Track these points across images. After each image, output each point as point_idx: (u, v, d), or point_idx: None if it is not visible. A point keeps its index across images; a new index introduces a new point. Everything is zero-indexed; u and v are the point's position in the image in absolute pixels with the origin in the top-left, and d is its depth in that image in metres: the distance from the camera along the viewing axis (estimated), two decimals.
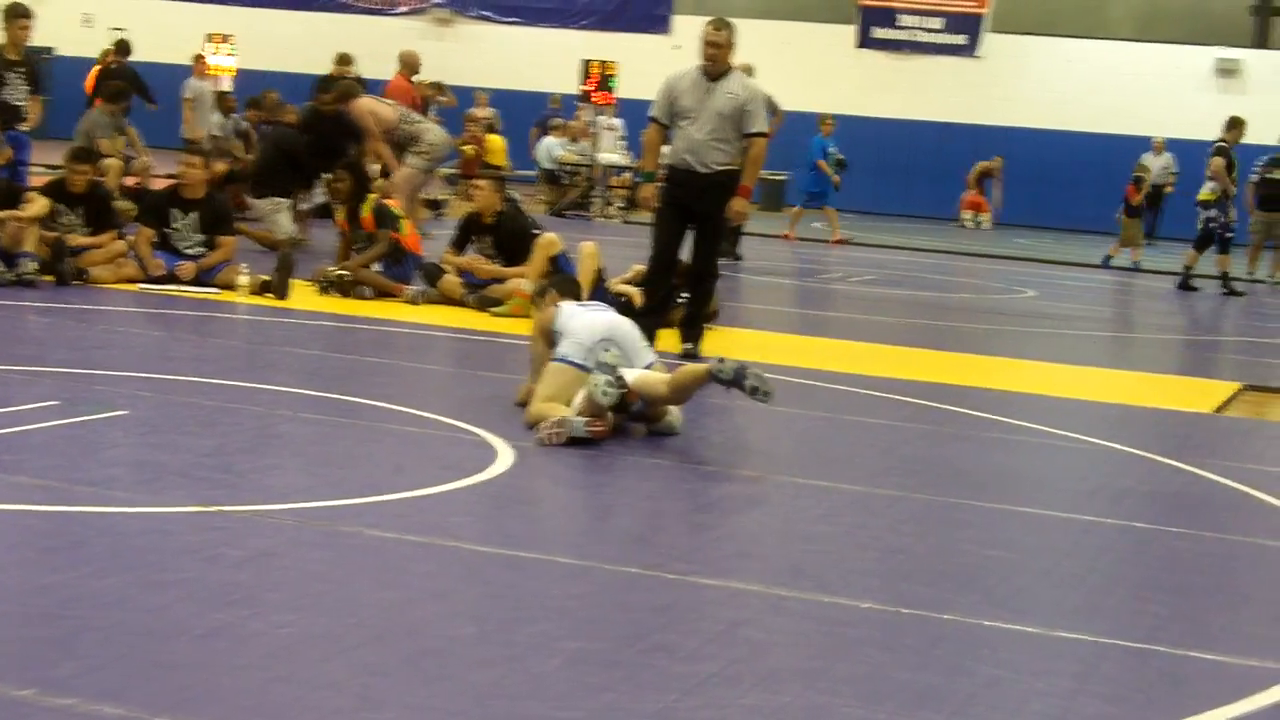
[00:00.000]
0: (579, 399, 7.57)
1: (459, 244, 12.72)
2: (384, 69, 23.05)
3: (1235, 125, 20.31)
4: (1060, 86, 33.41)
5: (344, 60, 19.56)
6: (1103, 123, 32.66)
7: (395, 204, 13.78)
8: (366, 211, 12.76)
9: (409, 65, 19.63)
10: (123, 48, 21.70)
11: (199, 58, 23.22)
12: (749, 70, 18.69)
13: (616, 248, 14.51)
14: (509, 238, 12.39)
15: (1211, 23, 33.74)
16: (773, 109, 19.31)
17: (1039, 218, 32.26)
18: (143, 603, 4.63)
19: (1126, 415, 9.84)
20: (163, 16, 37.49)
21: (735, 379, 7.24)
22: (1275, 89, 31.81)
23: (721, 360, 7.36)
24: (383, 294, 12.48)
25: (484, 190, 12.52)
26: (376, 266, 12.67)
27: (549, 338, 8.05)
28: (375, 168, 16.07)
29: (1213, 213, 20.07)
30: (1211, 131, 28.55)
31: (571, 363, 7.73)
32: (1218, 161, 19.92)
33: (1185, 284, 20.19)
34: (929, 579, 5.63)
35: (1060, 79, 33.49)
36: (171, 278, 12.00)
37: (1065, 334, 14.66)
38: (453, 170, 26.11)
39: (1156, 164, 29.00)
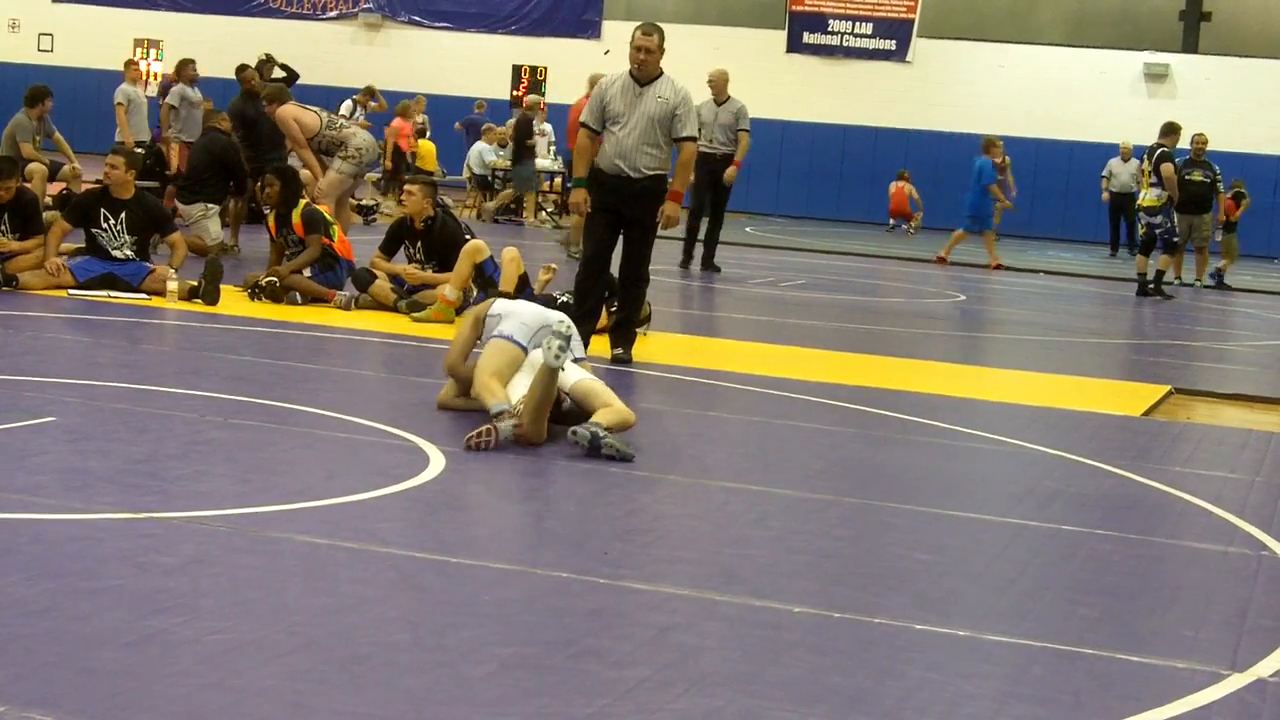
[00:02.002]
0: (516, 396, 7.60)
1: (388, 249, 12.69)
2: (313, 74, 23.00)
3: (1173, 131, 20.46)
4: (989, 91, 33.63)
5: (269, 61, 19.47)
6: (1032, 127, 32.89)
7: (326, 209, 13.74)
8: (296, 217, 12.71)
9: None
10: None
11: (131, 63, 23.05)
12: (723, 79, 18.82)
13: (548, 253, 14.50)
14: (440, 243, 12.37)
15: (1140, 27, 34.04)
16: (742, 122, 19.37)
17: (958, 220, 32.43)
18: (73, 610, 4.60)
19: (1056, 418, 9.91)
20: (90, 22, 37.25)
21: (592, 446, 7.40)
22: (1203, 93, 32.14)
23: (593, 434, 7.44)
24: (313, 299, 12.44)
25: (415, 195, 12.49)
26: (307, 272, 12.62)
27: (480, 325, 8.15)
28: (304, 174, 16.01)
29: (1158, 219, 20.24)
30: (1140, 135, 28.93)
31: (514, 341, 7.82)
32: (1169, 168, 20.07)
33: (1144, 289, 20.35)
34: (860, 582, 5.66)
35: (989, 84, 33.71)
36: (100, 283, 11.93)
37: (996, 338, 14.75)
38: (377, 176, 26.10)
39: (1124, 171, 28.76)
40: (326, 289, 12.53)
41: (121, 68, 21.98)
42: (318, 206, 13.29)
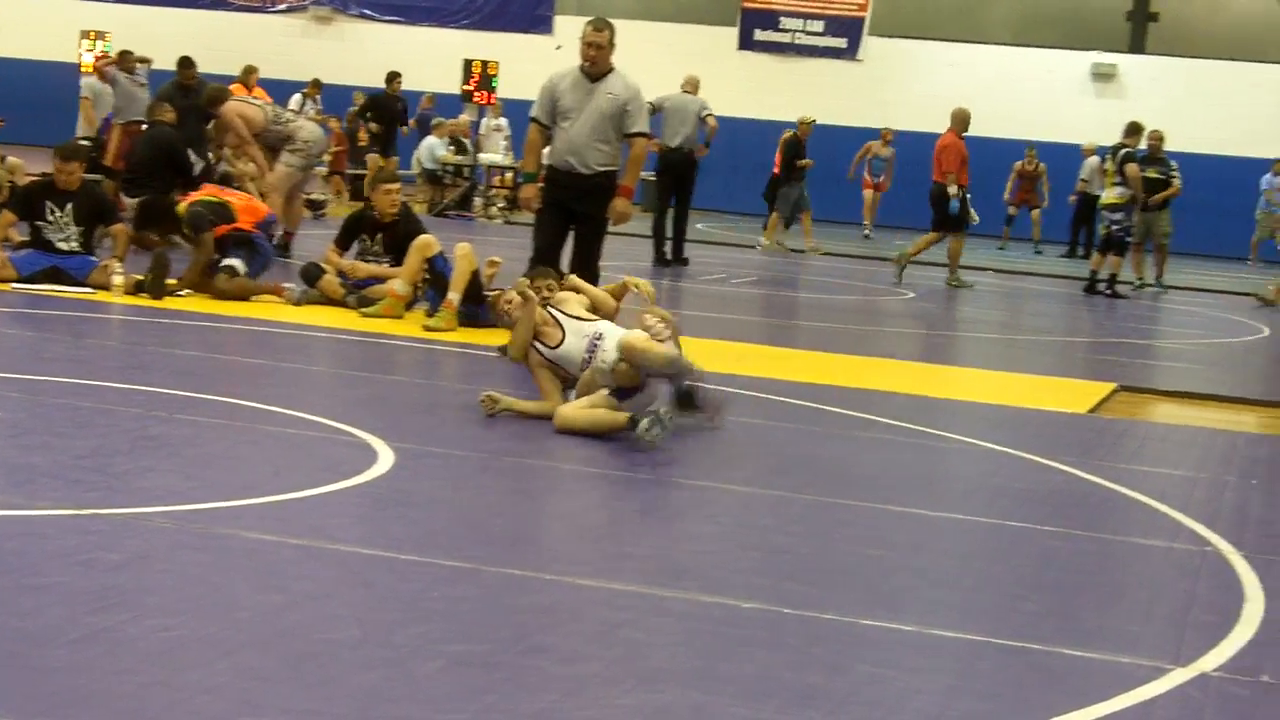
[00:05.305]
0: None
1: (343, 243, 12.58)
2: (263, 67, 22.88)
3: (1136, 130, 20.63)
4: (939, 90, 33.70)
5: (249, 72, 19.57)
6: (980, 126, 32.90)
7: (275, 202, 13.64)
8: (185, 227, 12.42)
9: (961, 122, 19.81)
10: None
11: (102, 58, 22.96)
12: (696, 85, 19.53)
13: (498, 248, 14.46)
14: (404, 238, 12.25)
15: (1088, 27, 34.21)
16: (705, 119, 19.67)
17: (919, 220, 32.50)
18: (16, 607, 4.56)
19: (1003, 415, 9.96)
20: (36, 12, 36.97)
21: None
22: (1151, 93, 32.31)
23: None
24: (266, 294, 12.35)
25: (394, 191, 12.39)
26: (243, 267, 12.45)
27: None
28: (249, 168, 15.97)
29: (1118, 216, 20.38)
30: (1087, 135, 29.06)
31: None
32: (1134, 168, 20.20)
33: (1092, 287, 20.49)
34: (811, 578, 5.67)
35: (939, 82, 33.80)
36: (45, 277, 11.84)
37: (945, 335, 14.80)
38: (323, 171, 26.06)
39: (1088, 170, 28.17)
40: (275, 284, 12.45)
41: (67, 58, 21.93)
42: (226, 197, 12.96)
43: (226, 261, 12.33)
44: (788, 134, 24.40)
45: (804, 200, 24.24)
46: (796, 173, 23.88)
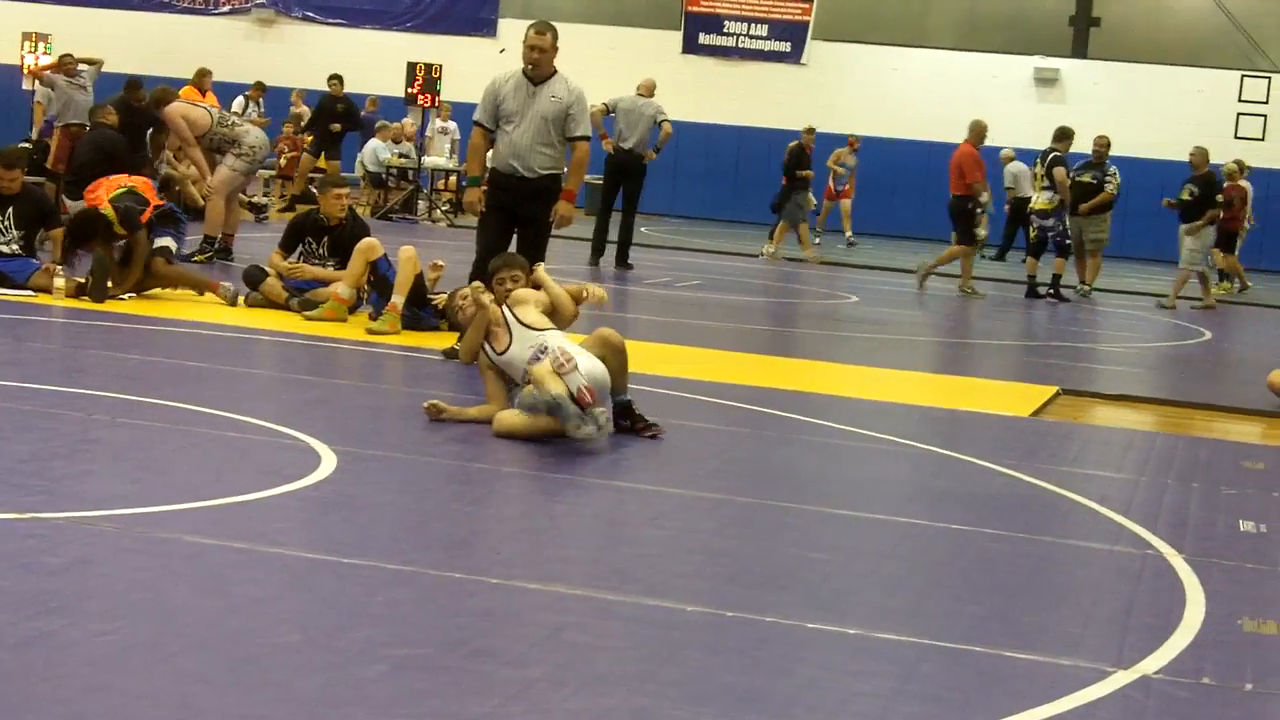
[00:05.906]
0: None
1: (288, 246, 12.51)
2: (215, 70, 22.81)
3: (1066, 135, 20.73)
4: (883, 94, 33.86)
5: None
6: (923, 130, 33.12)
7: (216, 204, 13.57)
8: (118, 228, 12.28)
9: (977, 134, 19.94)
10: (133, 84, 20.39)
11: (53, 65, 22.86)
12: (652, 89, 19.69)
13: (442, 252, 14.44)
14: (349, 242, 12.20)
15: (1031, 32, 34.39)
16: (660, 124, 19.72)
17: (861, 224, 32.65)
18: None
19: (946, 419, 9.99)
20: None
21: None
22: (1093, 98, 32.50)
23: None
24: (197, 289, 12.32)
25: (343, 196, 12.36)
26: (174, 244, 12.44)
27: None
28: (190, 170, 15.91)
29: (1049, 221, 20.52)
30: (1030, 139, 29.19)
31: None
32: (1060, 172, 20.32)
33: (1033, 291, 20.64)
34: (753, 581, 5.68)
35: (883, 87, 33.93)
36: None
37: (887, 339, 14.85)
38: (271, 174, 25.92)
39: (1009, 174, 28.06)
40: (215, 282, 12.42)
41: (9, 60, 21.89)
42: (126, 183, 12.79)
43: (159, 243, 12.35)
44: (793, 144, 24.70)
45: (803, 211, 24.58)
46: (800, 182, 24.14)
